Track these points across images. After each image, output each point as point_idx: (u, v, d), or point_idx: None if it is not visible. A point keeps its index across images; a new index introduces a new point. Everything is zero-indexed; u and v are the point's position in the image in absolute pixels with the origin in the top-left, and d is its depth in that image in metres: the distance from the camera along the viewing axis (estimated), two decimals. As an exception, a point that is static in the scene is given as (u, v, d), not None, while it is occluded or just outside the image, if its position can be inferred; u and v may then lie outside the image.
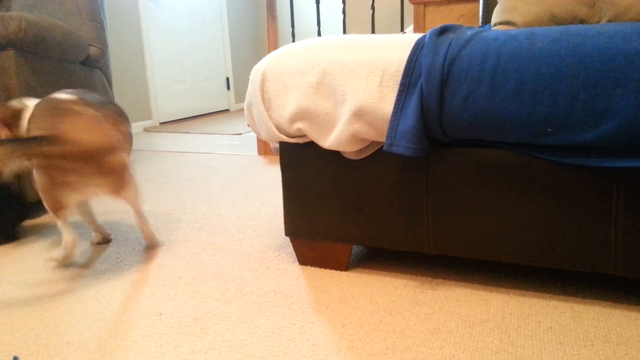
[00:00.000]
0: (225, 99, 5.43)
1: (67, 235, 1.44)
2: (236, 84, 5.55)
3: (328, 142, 1.22)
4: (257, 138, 3.06)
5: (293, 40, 3.27)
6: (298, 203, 1.36)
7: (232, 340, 1.08)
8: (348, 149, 1.22)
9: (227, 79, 5.41)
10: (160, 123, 4.47)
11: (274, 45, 2.98)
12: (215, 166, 2.77)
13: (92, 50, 2.32)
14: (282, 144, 1.35)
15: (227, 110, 5.43)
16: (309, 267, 1.42)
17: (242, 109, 5.53)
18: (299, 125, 1.26)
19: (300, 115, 1.24)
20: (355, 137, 1.18)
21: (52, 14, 2.34)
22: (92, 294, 1.31)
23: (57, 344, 1.09)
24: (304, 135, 1.29)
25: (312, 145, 1.30)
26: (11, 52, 1.76)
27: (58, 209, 1.39)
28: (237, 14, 5.50)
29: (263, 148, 3.03)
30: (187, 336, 1.10)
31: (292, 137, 1.30)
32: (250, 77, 1.34)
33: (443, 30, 1.18)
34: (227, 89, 5.43)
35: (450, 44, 1.11)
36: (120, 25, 4.01)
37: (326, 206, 1.33)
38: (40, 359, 1.03)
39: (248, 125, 1.40)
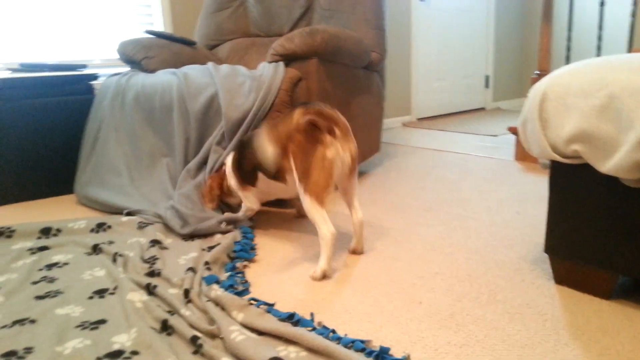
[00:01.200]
0: (483, 97, 5.40)
1: (327, 229, 1.53)
2: (495, 82, 5.46)
3: (606, 167, 1.20)
4: (516, 142, 3.02)
5: (568, 46, 3.11)
6: (563, 222, 1.37)
7: (485, 341, 1.17)
8: (629, 177, 1.18)
9: (487, 77, 5.36)
10: (418, 119, 4.70)
11: (546, 50, 2.89)
12: (470, 167, 2.84)
13: (373, 56, 2.60)
14: (554, 163, 1.37)
15: (483, 109, 5.40)
16: (565, 288, 1.42)
17: (499, 108, 5.43)
18: (575, 147, 1.26)
19: (579, 137, 1.24)
20: (639, 165, 1.14)
21: (344, 23, 2.70)
22: (361, 273, 1.54)
23: (338, 310, 1.33)
24: (579, 157, 1.29)
25: (586, 167, 1.29)
26: (315, 60, 2.12)
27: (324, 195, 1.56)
28: (505, 13, 5.37)
29: (521, 154, 2.98)
30: (443, 328, 1.23)
31: (565, 157, 1.31)
32: (529, 94, 1.39)
33: None
34: (485, 87, 5.38)
35: None
36: (393, 25, 4.31)
37: (594, 231, 1.31)
38: (324, 318, 1.28)
39: (522, 140, 1.45)
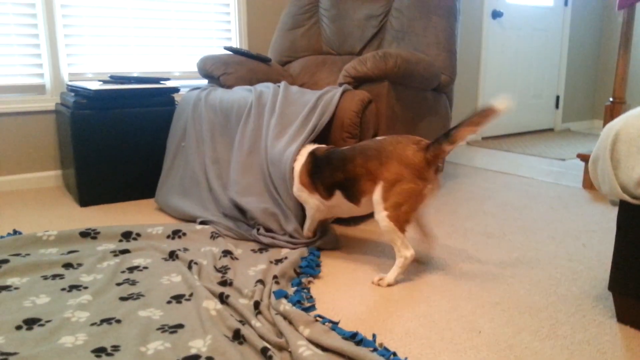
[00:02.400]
0: (552, 118, 5.27)
1: (408, 251, 1.68)
2: (566, 103, 5.32)
3: (678, 213, 1.20)
4: (585, 169, 2.96)
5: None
6: (629, 262, 1.36)
7: (543, 376, 1.19)
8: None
9: (557, 97, 5.23)
10: (483, 138, 4.66)
11: (622, 77, 2.82)
12: (535, 193, 2.81)
13: (443, 78, 2.64)
14: (623, 203, 1.37)
15: (551, 130, 5.27)
16: (627, 327, 1.41)
17: (569, 130, 5.28)
18: (646, 189, 1.26)
19: (650, 180, 1.25)
20: None
21: (415, 45, 2.75)
22: (422, 298, 1.59)
23: (398, 332, 1.38)
24: (650, 199, 1.29)
25: (657, 210, 1.29)
26: (385, 83, 2.19)
27: (408, 224, 1.68)
28: (580, 33, 5.23)
29: (590, 181, 2.91)
30: (502, 359, 1.26)
31: (635, 198, 1.31)
32: (602, 133, 1.39)
33: None
34: (555, 107, 5.26)
35: None
36: (463, 41, 4.31)
37: (662, 274, 1.30)
38: (385, 340, 1.34)
39: (591, 177, 1.45)
